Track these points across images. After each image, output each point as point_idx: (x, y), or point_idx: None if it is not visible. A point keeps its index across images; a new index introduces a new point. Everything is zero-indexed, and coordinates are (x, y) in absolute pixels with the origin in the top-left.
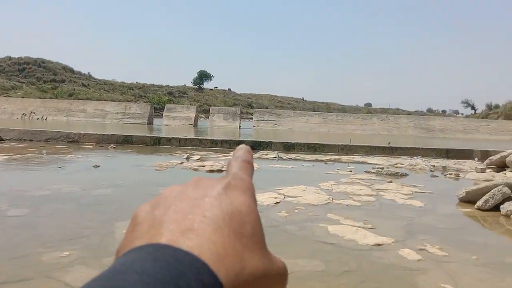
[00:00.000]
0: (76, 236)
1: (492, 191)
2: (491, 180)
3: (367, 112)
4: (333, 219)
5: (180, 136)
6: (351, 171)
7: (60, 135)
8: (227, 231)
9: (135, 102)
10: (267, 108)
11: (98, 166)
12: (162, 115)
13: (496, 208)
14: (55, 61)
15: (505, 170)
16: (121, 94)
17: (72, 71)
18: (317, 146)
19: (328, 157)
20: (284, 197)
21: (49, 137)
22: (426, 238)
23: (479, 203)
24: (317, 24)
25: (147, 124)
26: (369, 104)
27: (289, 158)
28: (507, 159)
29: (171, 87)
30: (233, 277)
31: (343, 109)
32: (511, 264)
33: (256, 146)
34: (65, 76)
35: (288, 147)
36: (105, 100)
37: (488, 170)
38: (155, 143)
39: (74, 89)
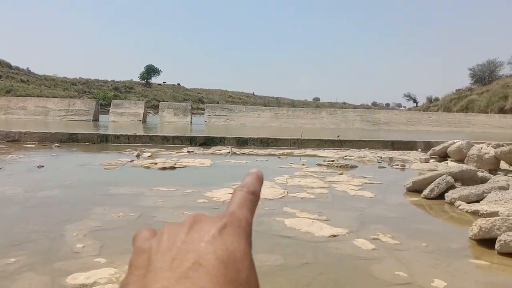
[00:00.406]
0: (23, 241)
1: (437, 180)
2: (435, 170)
3: (315, 107)
4: (289, 212)
5: (129, 133)
6: (303, 165)
7: None
8: (222, 279)
9: (79, 98)
10: (218, 103)
11: (42, 166)
12: (109, 111)
13: (441, 196)
14: None
15: (447, 160)
16: (64, 90)
17: (9, 66)
18: (269, 141)
19: (281, 151)
20: None
21: None
22: (378, 227)
23: (425, 192)
24: (266, 21)
25: (93, 121)
26: (317, 99)
27: (243, 153)
28: (449, 149)
29: (117, 82)
30: None
31: (293, 104)
32: (457, 249)
33: (208, 141)
34: (2, 72)
35: (241, 142)
36: (46, 97)
37: (431, 160)
38: (103, 141)
39: (12, 86)
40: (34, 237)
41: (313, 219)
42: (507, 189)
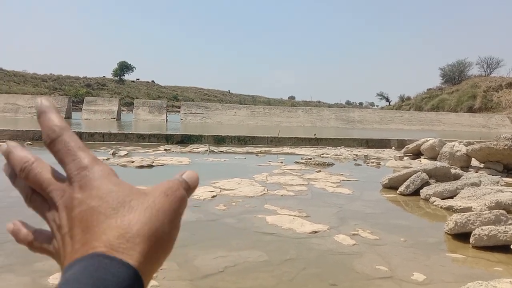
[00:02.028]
0: None
1: (412, 177)
2: (409, 167)
3: (291, 105)
4: (270, 209)
5: (103, 131)
6: (281, 162)
7: None
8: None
9: (50, 95)
10: (193, 101)
11: None
12: (81, 108)
13: (416, 192)
14: None
15: (420, 157)
16: (34, 87)
17: None
18: (247, 139)
19: (258, 149)
20: (220, 190)
21: None
22: (358, 223)
23: (401, 188)
24: (241, 18)
25: (65, 118)
26: (292, 97)
27: (221, 152)
28: (422, 147)
29: (89, 78)
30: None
31: (269, 102)
32: (434, 243)
33: (185, 140)
34: None
35: (219, 140)
36: (16, 93)
37: (405, 158)
38: None
39: None
40: (11, 237)
41: (294, 215)
42: (479, 185)
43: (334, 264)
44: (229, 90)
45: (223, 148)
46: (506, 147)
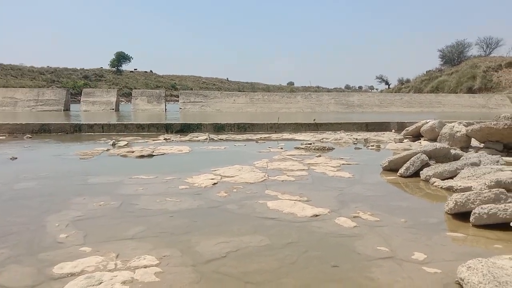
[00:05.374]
0: (3, 234)
1: (412, 159)
2: (409, 149)
3: (290, 91)
4: (271, 195)
5: (102, 122)
6: (281, 148)
7: None
8: None
9: (48, 87)
10: (192, 90)
11: (16, 158)
12: (79, 100)
13: (416, 174)
14: None
15: (420, 139)
16: (31, 80)
17: None
18: (246, 126)
19: (258, 136)
20: (221, 178)
21: None
22: (358, 206)
23: (401, 170)
24: (236, 5)
25: (64, 110)
26: (291, 83)
27: (220, 139)
28: (422, 129)
29: (87, 70)
30: None
31: (268, 89)
32: (435, 224)
33: (185, 128)
34: None
35: (218, 128)
36: (13, 87)
37: (405, 140)
38: (76, 131)
39: None
40: (15, 229)
41: (295, 200)
42: (479, 165)
43: (335, 246)
44: (227, 78)
45: (223, 136)
46: (506, 127)
